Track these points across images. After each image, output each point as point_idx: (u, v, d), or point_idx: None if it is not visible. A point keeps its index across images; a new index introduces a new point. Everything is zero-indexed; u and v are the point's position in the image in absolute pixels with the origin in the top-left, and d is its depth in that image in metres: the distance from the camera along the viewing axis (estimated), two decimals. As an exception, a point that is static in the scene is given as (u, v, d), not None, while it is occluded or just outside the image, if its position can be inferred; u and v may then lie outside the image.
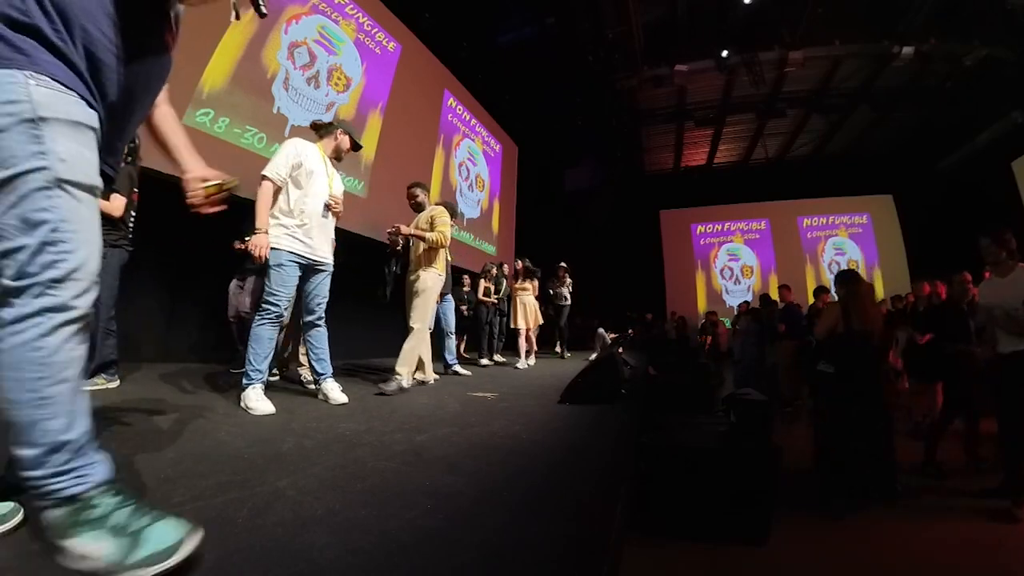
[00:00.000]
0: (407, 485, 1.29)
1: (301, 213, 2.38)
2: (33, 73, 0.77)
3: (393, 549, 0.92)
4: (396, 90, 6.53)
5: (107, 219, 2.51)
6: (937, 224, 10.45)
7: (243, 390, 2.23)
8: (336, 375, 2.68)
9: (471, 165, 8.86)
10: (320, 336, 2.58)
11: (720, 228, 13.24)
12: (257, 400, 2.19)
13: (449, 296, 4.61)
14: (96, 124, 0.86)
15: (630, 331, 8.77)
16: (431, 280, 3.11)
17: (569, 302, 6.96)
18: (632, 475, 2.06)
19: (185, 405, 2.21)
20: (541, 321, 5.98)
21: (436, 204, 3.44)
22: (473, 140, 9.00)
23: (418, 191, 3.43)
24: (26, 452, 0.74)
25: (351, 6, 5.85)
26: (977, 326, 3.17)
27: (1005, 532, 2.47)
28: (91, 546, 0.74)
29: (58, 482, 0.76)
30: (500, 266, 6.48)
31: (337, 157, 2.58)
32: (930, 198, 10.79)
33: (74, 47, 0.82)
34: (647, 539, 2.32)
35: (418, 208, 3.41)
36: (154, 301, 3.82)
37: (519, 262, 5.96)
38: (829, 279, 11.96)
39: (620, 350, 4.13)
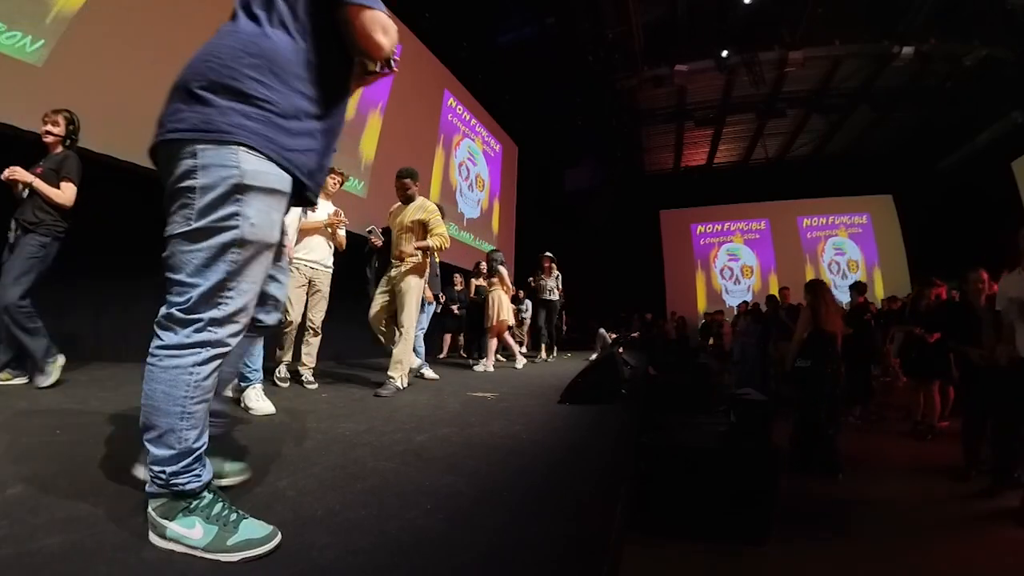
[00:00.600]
0: (407, 485, 1.29)
1: None
2: (245, 146, 0.90)
3: (393, 549, 0.92)
4: (396, 90, 6.53)
5: (57, 209, 2.47)
6: (937, 224, 10.45)
7: (242, 391, 2.24)
8: (333, 375, 2.67)
9: (471, 165, 8.86)
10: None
11: (720, 228, 13.23)
12: (257, 400, 2.20)
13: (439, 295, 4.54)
14: (288, 188, 0.99)
15: (635, 333, 8.76)
16: (415, 280, 3.08)
17: (556, 297, 6.10)
18: (632, 475, 2.06)
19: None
20: (511, 320, 5.26)
21: (424, 200, 3.30)
22: (473, 140, 8.99)
23: (410, 182, 3.25)
24: (161, 452, 0.89)
25: (351, 6, 5.85)
26: (1005, 319, 3.00)
27: (1008, 531, 2.47)
28: (190, 529, 0.87)
29: (181, 479, 0.89)
30: None
31: None
32: (930, 198, 10.79)
33: (281, 119, 0.95)
34: (647, 539, 2.32)
35: (408, 200, 3.25)
36: (152, 303, 3.81)
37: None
38: (829, 279, 11.96)
39: (620, 350, 4.13)
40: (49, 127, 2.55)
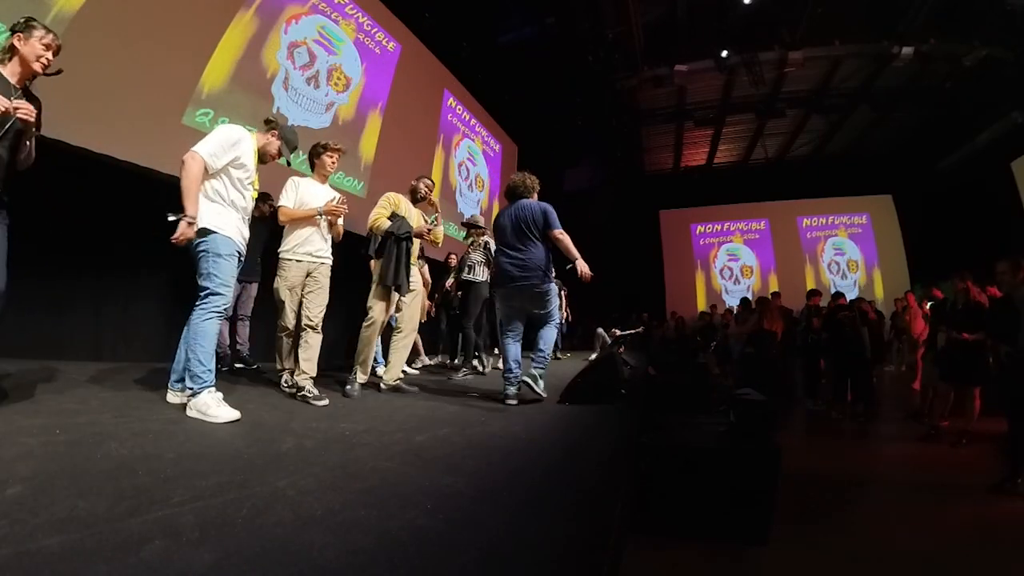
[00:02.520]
0: (407, 485, 1.29)
1: (244, 201, 2.31)
2: (554, 281, 3.01)
3: (393, 549, 0.92)
4: (396, 90, 6.52)
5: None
6: (937, 224, 10.45)
7: (194, 395, 1.98)
8: (331, 376, 2.66)
9: (471, 165, 8.86)
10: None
11: (720, 228, 13.23)
12: (217, 406, 1.94)
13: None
14: None
15: (640, 328, 8.78)
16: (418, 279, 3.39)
17: (484, 277, 4.34)
18: (632, 475, 2.06)
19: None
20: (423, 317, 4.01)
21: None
22: (473, 140, 8.99)
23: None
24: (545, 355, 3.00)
25: (351, 6, 5.85)
26: None
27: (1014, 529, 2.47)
28: (541, 383, 2.90)
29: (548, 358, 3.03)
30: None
31: (261, 159, 2.42)
32: (930, 198, 10.79)
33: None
34: (647, 539, 2.32)
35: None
36: (151, 303, 3.81)
37: None
38: (829, 279, 11.98)
39: (620, 350, 4.12)
40: (52, 56, 1.85)
